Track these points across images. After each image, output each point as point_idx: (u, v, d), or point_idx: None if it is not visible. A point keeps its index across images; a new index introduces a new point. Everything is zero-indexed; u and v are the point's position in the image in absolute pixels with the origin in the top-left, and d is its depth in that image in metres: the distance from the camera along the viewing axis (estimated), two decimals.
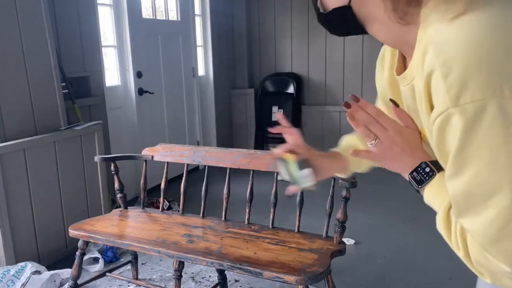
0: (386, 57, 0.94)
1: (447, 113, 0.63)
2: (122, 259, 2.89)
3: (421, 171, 0.82)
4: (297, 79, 5.39)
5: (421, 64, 0.70)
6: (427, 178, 0.81)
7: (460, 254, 0.71)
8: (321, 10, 0.83)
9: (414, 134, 0.84)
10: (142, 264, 2.86)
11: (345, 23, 0.82)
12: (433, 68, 0.64)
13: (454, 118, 0.62)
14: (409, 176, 0.83)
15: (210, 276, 2.71)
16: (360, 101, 0.85)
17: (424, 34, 0.71)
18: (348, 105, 0.85)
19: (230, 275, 2.59)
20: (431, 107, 0.68)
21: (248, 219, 2.27)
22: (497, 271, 0.67)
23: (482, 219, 0.64)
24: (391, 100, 0.87)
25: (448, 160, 0.67)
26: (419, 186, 0.82)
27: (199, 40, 5.09)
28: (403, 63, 0.87)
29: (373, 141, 0.84)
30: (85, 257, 2.55)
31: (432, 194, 0.80)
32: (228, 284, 2.55)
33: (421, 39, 0.72)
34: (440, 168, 0.80)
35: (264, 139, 5.54)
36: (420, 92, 0.70)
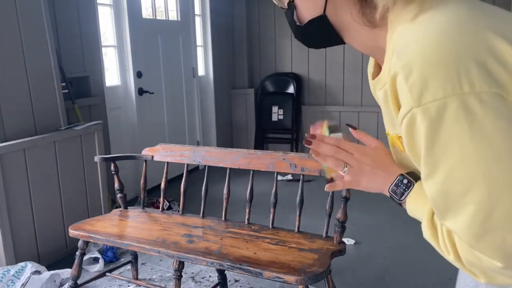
0: (370, 65, 0.95)
1: (411, 113, 0.64)
2: (122, 259, 2.89)
3: (399, 184, 0.82)
4: (297, 79, 5.39)
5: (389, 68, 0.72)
6: (406, 189, 0.81)
7: (450, 257, 0.70)
8: (297, 23, 0.83)
9: (380, 151, 0.87)
10: (142, 264, 2.86)
11: (322, 33, 0.83)
12: (396, 71, 0.66)
13: (418, 118, 0.63)
14: (389, 191, 0.84)
15: (210, 276, 2.71)
16: (317, 136, 0.88)
17: (391, 38, 0.73)
18: (309, 142, 0.88)
19: (230, 275, 2.59)
20: (399, 109, 0.69)
21: (248, 219, 2.27)
22: (489, 268, 0.66)
23: (463, 217, 0.64)
24: (347, 124, 0.93)
25: (421, 162, 0.67)
26: (401, 199, 0.82)
27: (199, 40, 5.09)
28: (378, 68, 0.87)
29: (345, 168, 0.86)
30: (85, 257, 2.55)
31: (414, 204, 0.80)
32: (228, 284, 2.55)
33: (389, 43, 0.74)
34: (417, 178, 0.80)
35: (264, 139, 5.54)
36: (388, 95, 0.71)
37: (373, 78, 0.87)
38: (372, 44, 0.79)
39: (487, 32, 0.64)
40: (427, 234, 0.74)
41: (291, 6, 0.83)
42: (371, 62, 0.93)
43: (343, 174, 0.87)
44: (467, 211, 0.63)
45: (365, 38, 0.80)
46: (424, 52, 0.63)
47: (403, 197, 0.82)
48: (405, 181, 0.82)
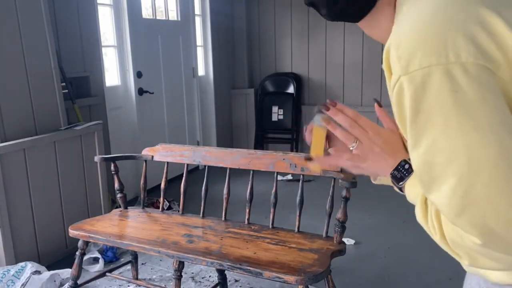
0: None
1: (399, 81, 0.65)
2: (122, 259, 2.89)
3: (400, 169, 0.82)
4: (297, 79, 5.39)
5: None
6: (406, 174, 0.81)
7: (437, 237, 0.69)
8: None
9: (394, 135, 0.85)
10: (142, 264, 2.86)
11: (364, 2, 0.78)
12: (389, 43, 0.68)
13: (405, 86, 0.64)
14: (390, 174, 0.83)
15: (210, 276, 2.71)
16: (338, 105, 0.87)
17: (397, 19, 0.74)
18: (327, 108, 0.88)
19: (230, 275, 2.59)
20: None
21: (248, 219, 2.27)
22: (471, 248, 0.65)
23: (445, 189, 0.63)
24: (374, 99, 0.90)
25: (408, 132, 0.67)
26: (400, 184, 0.82)
27: (199, 40, 5.09)
28: None
29: (354, 144, 0.85)
30: (85, 257, 2.55)
31: (411, 188, 0.80)
32: (228, 284, 2.55)
33: (395, 24, 0.74)
34: None
35: (264, 139, 5.54)
36: (384, 69, 0.72)
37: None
38: (387, 23, 0.77)
39: (480, 7, 0.64)
40: (419, 215, 0.74)
41: None
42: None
43: (351, 148, 0.86)
44: (448, 183, 0.62)
45: (385, 18, 0.78)
46: (415, 24, 0.65)
47: (402, 182, 0.81)
48: (406, 166, 0.81)
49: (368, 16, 0.80)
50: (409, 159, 0.77)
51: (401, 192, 0.84)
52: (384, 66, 0.71)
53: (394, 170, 0.83)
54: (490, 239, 0.62)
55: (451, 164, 0.62)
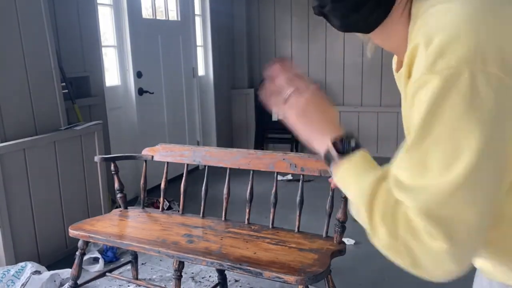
0: (394, 61, 0.94)
1: (423, 77, 0.65)
2: (122, 259, 2.89)
3: (345, 143, 0.76)
4: None
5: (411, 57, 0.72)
6: (350, 150, 0.75)
7: (382, 230, 0.69)
8: None
9: (332, 109, 0.81)
10: (142, 264, 2.86)
11: (377, 11, 0.76)
12: (417, 42, 0.67)
13: (428, 82, 0.64)
14: (332, 144, 0.76)
15: (210, 276, 2.71)
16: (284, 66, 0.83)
17: (414, 26, 0.73)
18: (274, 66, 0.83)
19: (230, 275, 2.59)
20: (409, 78, 0.70)
21: (248, 219, 2.27)
22: (424, 251, 0.65)
23: (436, 182, 0.63)
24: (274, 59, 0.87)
25: (417, 124, 0.66)
26: (341, 156, 0.75)
27: (199, 40, 5.09)
28: (401, 63, 0.86)
29: (290, 90, 0.80)
30: (85, 257, 2.55)
31: (353, 170, 0.75)
32: (228, 284, 2.55)
33: (412, 30, 0.73)
34: (360, 145, 0.77)
35: (264, 139, 5.54)
36: (404, 68, 0.71)
37: (397, 71, 0.86)
38: (400, 37, 0.77)
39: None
40: (363, 201, 0.70)
41: None
42: (395, 58, 0.92)
43: (285, 96, 0.80)
44: (445, 179, 0.63)
45: (399, 33, 0.77)
46: (447, 25, 0.65)
47: (345, 156, 0.75)
48: (352, 144, 0.76)
49: (380, 27, 0.79)
50: (354, 138, 0.77)
51: (328, 164, 0.78)
52: (405, 64, 0.70)
53: (338, 140, 0.76)
54: (453, 243, 0.63)
55: (447, 164, 0.62)
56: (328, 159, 0.77)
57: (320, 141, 0.79)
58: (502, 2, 0.68)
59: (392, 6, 0.76)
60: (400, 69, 0.80)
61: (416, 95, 0.66)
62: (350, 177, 0.75)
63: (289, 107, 0.79)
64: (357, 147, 0.76)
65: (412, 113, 0.68)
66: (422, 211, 0.64)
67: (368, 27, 0.79)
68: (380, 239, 0.71)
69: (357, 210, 0.73)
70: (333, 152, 0.76)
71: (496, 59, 0.61)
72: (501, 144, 0.63)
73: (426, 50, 0.65)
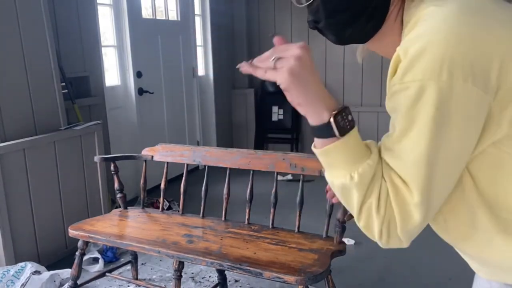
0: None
1: (395, 87, 0.70)
2: (122, 259, 2.89)
3: (345, 117, 0.71)
4: None
5: None
6: (349, 127, 0.72)
7: (379, 213, 0.72)
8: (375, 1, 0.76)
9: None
10: (142, 264, 2.86)
11: (377, 21, 0.79)
12: (398, 53, 0.71)
13: (398, 92, 0.70)
14: (333, 118, 0.71)
15: (210, 276, 2.71)
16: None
17: (405, 34, 0.76)
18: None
19: (230, 275, 2.59)
20: None
21: (248, 219, 2.27)
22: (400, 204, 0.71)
23: (404, 188, 0.71)
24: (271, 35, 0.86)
25: (399, 124, 0.72)
26: (340, 135, 0.71)
27: (199, 40, 5.09)
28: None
29: (277, 55, 0.71)
30: (85, 257, 2.54)
31: (351, 147, 0.72)
32: (228, 284, 2.54)
33: (403, 38, 0.76)
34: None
35: (264, 139, 5.54)
36: (388, 76, 0.75)
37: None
38: (393, 42, 0.78)
39: (493, 32, 0.68)
40: (359, 187, 0.72)
41: None
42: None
43: (271, 61, 0.70)
44: (407, 185, 0.71)
45: (391, 34, 0.81)
46: (423, 37, 0.68)
47: (344, 134, 0.71)
48: (349, 117, 0.72)
49: (375, 36, 0.82)
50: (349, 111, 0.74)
51: (316, 137, 0.74)
52: (390, 68, 0.73)
53: (338, 114, 0.71)
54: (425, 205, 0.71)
55: (412, 170, 0.70)
56: (322, 130, 0.72)
57: (316, 108, 0.72)
58: (481, 11, 0.71)
59: (385, 17, 0.78)
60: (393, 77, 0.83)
61: (390, 100, 0.72)
62: (344, 156, 0.73)
63: (280, 68, 0.69)
64: (353, 121, 0.73)
65: (391, 110, 0.74)
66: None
67: (363, 39, 0.83)
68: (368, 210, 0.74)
69: (344, 189, 0.74)
70: (334, 126, 0.71)
71: (464, 70, 0.65)
72: (466, 149, 0.71)
73: (403, 61, 0.69)
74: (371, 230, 0.74)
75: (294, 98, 0.71)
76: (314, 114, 0.72)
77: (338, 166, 0.74)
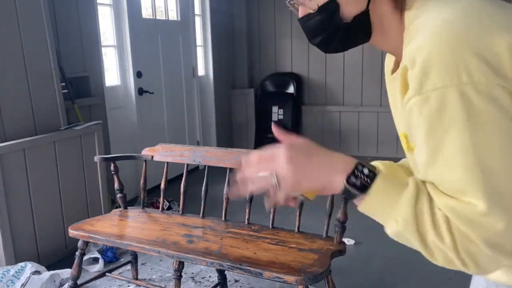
0: (387, 62, 0.96)
1: (412, 100, 0.67)
2: (122, 259, 2.89)
3: (359, 175, 0.71)
4: (297, 79, 5.39)
5: None
6: (369, 181, 0.70)
7: (446, 243, 0.65)
8: (342, 21, 0.80)
9: (309, 143, 0.76)
10: (142, 264, 2.86)
11: (361, 31, 0.81)
12: (405, 64, 0.69)
13: (418, 106, 0.67)
14: (346, 182, 0.71)
15: (210, 276, 2.71)
16: (242, 163, 0.77)
17: (407, 34, 0.76)
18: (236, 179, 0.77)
19: (230, 275, 2.59)
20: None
21: (248, 219, 2.27)
22: (484, 254, 0.65)
23: (466, 200, 0.65)
24: (274, 122, 0.87)
25: (420, 149, 0.69)
26: (364, 192, 0.70)
27: (199, 40, 5.09)
28: (397, 65, 0.88)
29: (274, 179, 0.72)
30: (85, 257, 2.54)
31: (381, 198, 0.71)
32: (228, 284, 2.54)
33: (405, 39, 0.76)
34: (374, 167, 0.72)
35: (264, 139, 5.53)
36: (398, 86, 0.74)
37: (392, 73, 0.88)
38: (399, 35, 0.79)
39: (496, 27, 0.66)
40: (408, 225, 0.68)
41: (332, 4, 0.79)
42: (389, 59, 0.94)
43: (275, 185, 0.72)
44: (467, 196, 0.65)
45: (395, 28, 0.80)
46: (427, 43, 0.66)
47: (367, 190, 0.70)
48: (365, 171, 0.71)
49: (375, 36, 0.82)
50: (364, 163, 0.72)
51: (350, 199, 0.74)
52: (399, 82, 0.71)
53: (351, 175, 0.71)
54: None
55: (467, 180, 0.64)
56: (349, 195, 0.72)
57: (332, 182, 0.73)
58: (485, 7, 0.70)
59: (370, 24, 0.80)
60: (395, 73, 0.83)
61: (412, 116, 0.69)
62: (379, 208, 0.72)
63: (287, 188, 0.72)
64: (371, 172, 0.71)
65: (412, 129, 0.71)
66: (469, 224, 0.65)
67: (350, 46, 0.85)
68: (447, 251, 0.67)
69: (399, 235, 0.71)
70: (353, 190, 0.71)
71: (481, 68, 0.63)
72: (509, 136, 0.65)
73: (411, 72, 0.67)
74: (454, 264, 0.67)
75: (306, 187, 0.74)
76: (330, 187, 0.73)
77: (381, 217, 0.73)
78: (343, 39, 0.83)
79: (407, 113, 0.70)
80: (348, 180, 0.71)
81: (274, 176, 0.72)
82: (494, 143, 0.64)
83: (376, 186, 0.70)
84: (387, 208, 0.70)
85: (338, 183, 0.72)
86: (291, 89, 5.34)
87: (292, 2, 0.84)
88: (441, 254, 0.67)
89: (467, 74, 0.63)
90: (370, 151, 5.19)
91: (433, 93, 0.64)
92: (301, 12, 0.85)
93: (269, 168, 0.73)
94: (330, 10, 0.80)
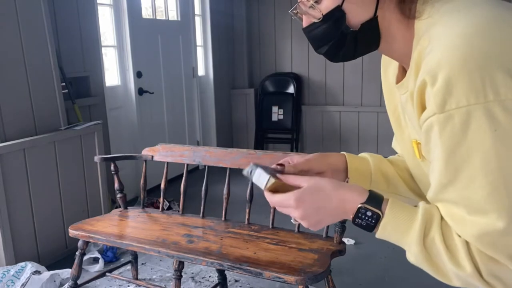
0: (393, 65, 0.94)
1: (433, 118, 0.65)
2: (122, 259, 2.89)
3: (363, 217, 0.75)
4: (297, 79, 5.39)
5: (415, 73, 0.72)
6: (373, 221, 0.74)
7: (467, 271, 0.66)
8: (349, 29, 0.78)
9: (313, 186, 0.77)
10: (142, 264, 2.86)
11: (369, 39, 0.80)
12: (424, 78, 0.66)
13: (441, 124, 0.64)
14: (353, 223, 0.76)
15: (210, 276, 2.71)
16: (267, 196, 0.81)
17: (417, 43, 0.73)
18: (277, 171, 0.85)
19: (230, 275, 2.59)
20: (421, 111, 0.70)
21: (248, 219, 2.27)
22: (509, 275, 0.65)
23: (485, 223, 0.63)
24: (278, 164, 0.89)
25: (438, 168, 0.67)
26: (370, 231, 0.76)
27: (199, 40, 5.09)
28: (403, 73, 0.86)
29: (292, 218, 0.81)
30: (85, 257, 2.55)
31: (390, 233, 0.74)
32: (228, 284, 2.55)
33: (415, 47, 0.73)
34: (380, 201, 0.74)
35: (264, 139, 5.54)
36: (414, 100, 0.71)
37: (397, 82, 0.86)
38: (407, 44, 0.77)
39: (508, 32, 0.64)
40: (419, 260, 0.71)
41: (338, 12, 0.77)
42: (388, 65, 0.93)
43: (293, 222, 0.83)
44: (489, 217, 0.63)
45: (401, 37, 0.78)
46: (449, 58, 0.63)
47: (373, 230, 0.75)
48: (368, 213, 0.74)
49: (384, 44, 0.81)
50: (367, 202, 0.74)
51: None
52: (415, 97, 0.69)
53: (356, 218, 0.75)
54: None
55: (491, 200, 0.62)
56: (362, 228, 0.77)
57: (345, 218, 0.79)
58: (504, 17, 0.66)
59: (378, 31, 0.78)
60: (401, 81, 0.81)
61: (431, 133, 0.66)
62: (392, 238, 0.76)
63: (309, 227, 0.80)
64: (375, 213, 0.74)
65: (429, 147, 0.69)
66: (488, 247, 0.64)
67: (357, 55, 0.85)
68: (470, 277, 0.67)
69: (418, 264, 0.74)
70: (361, 228, 0.76)
71: (507, 84, 0.60)
72: None
73: (432, 88, 0.64)
74: (474, 286, 0.67)
75: (319, 227, 0.79)
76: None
77: (400, 244, 0.75)
78: (351, 47, 0.81)
79: (425, 130, 0.68)
80: (354, 222, 0.75)
81: (293, 218, 0.80)
82: None
83: (383, 224, 0.73)
84: (398, 241, 0.74)
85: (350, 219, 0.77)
86: (291, 89, 5.34)
87: (295, 12, 0.82)
88: (460, 281, 0.68)
89: (493, 91, 0.60)
90: (370, 151, 5.13)
91: (457, 112, 0.62)
92: (305, 22, 0.82)
93: (287, 213, 0.79)
94: (336, 18, 0.77)
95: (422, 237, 0.69)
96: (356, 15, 0.77)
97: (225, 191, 2.32)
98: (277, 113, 5.33)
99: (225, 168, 2.31)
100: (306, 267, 1.76)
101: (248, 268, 1.78)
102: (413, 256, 0.71)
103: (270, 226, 2.20)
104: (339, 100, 5.36)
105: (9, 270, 2.43)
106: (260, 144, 5.50)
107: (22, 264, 2.49)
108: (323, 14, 0.78)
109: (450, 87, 0.62)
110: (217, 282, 2.48)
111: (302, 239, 2.05)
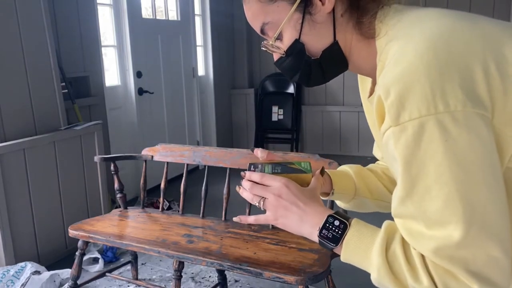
0: (361, 84, 0.97)
1: (389, 131, 0.66)
2: (122, 259, 2.89)
3: (330, 227, 0.75)
4: None
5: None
6: (339, 232, 0.74)
7: (424, 285, 0.65)
8: (311, 58, 0.82)
9: (296, 192, 0.81)
10: (142, 264, 2.86)
11: (335, 61, 0.83)
12: (379, 94, 0.68)
13: (396, 136, 0.65)
14: (319, 235, 0.75)
15: (210, 276, 2.71)
16: (246, 174, 0.88)
17: (379, 59, 0.75)
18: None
19: (230, 275, 2.59)
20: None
21: None
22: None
23: (443, 234, 0.64)
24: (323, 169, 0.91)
25: (398, 182, 0.68)
26: (335, 244, 0.74)
27: (199, 40, 5.09)
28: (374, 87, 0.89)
29: (257, 202, 0.83)
30: (85, 257, 2.55)
31: (353, 248, 0.74)
32: (228, 284, 2.54)
33: (378, 63, 0.76)
34: (348, 217, 0.76)
35: (264, 139, 5.54)
36: (374, 115, 0.73)
37: (369, 95, 0.89)
38: (371, 61, 0.79)
39: (468, 52, 0.65)
40: (381, 274, 0.69)
41: (297, 45, 0.80)
42: (363, 81, 0.95)
43: (258, 207, 0.84)
44: (446, 229, 0.63)
45: (364, 55, 0.81)
46: (401, 72, 0.65)
47: (339, 242, 0.74)
48: (336, 222, 0.74)
49: (352, 65, 0.84)
50: (336, 213, 0.76)
51: (331, 251, 0.77)
52: (375, 112, 0.71)
53: (322, 229, 0.75)
54: (481, 283, 0.63)
55: (447, 211, 0.63)
56: (325, 247, 0.76)
57: (309, 234, 0.79)
58: (457, 29, 0.68)
59: (342, 55, 0.81)
60: (371, 96, 0.85)
61: (388, 145, 0.68)
62: (352, 257, 0.75)
63: (266, 217, 0.84)
64: (342, 223, 0.75)
65: (390, 160, 0.71)
66: (445, 261, 0.64)
67: (330, 78, 0.87)
68: None
69: (379, 284, 0.72)
70: (326, 242, 0.75)
71: (457, 96, 0.62)
72: (494, 170, 0.64)
73: (386, 102, 0.66)
74: None
75: (280, 225, 0.83)
76: (310, 237, 0.78)
77: (361, 265, 0.74)
78: (319, 73, 0.85)
79: (384, 142, 0.69)
80: (320, 233, 0.75)
81: (261, 202, 0.82)
82: (472, 172, 0.62)
83: (348, 236, 0.74)
84: (362, 257, 0.73)
85: (314, 235, 0.77)
86: (291, 89, 5.34)
87: (264, 49, 0.86)
88: None
89: (443, 103, 0.61)
90: (369, 151, 5.16)
91: (410, 124, 0.63)
92: (275, 56, 0.86)
93: (260, 193, 0.82)
94: (298, 50, 0.81)
95: (384, 250, 0.69)
96: (315, 44, 0.80)
97: (225, 191, 2.32)
98: (277, 113, 5.33)
99: (225, 168, 2.31)
100: (306, 267, 1.76)
101: (248, 268, 1.77)
102: (376, 270, 0.69)
103: (270, 226, 2.20)
104: (339, 100, 5.36)
105: (9, 270, 2.43)
106: (260, 144, 5.50)
107: (22, 264, 2.49)
108: (285, 49, 0.82)
109: (403, 100, 0.63)
110: (217, 282, 2.48)
111: (302, 239, 2.05)
